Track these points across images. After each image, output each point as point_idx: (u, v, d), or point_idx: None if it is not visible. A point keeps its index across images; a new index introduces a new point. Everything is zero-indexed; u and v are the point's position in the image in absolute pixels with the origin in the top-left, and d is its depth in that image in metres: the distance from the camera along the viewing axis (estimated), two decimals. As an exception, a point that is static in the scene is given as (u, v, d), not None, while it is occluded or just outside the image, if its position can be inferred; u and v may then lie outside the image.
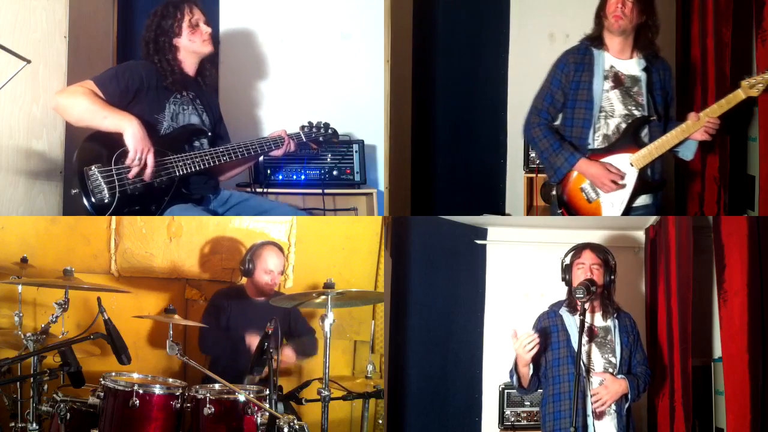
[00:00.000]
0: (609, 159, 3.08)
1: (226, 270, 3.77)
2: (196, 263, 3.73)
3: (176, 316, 2.99)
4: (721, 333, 2.96)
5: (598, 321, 2.98)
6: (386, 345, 3.69)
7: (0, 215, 3.24)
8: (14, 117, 3.19)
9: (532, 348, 2.73)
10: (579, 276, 2.96)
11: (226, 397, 2.84)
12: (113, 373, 2.91)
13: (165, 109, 3.17)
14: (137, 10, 4.10)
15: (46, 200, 3.34)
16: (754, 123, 3.25)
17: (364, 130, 4.01)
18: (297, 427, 2.60)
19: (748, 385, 2.80)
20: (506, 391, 3.68)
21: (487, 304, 3.92)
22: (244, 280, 3.58)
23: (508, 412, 3.69)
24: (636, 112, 3.08)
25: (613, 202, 3.10)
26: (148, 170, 2.98)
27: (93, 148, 2.98)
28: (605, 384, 2.85)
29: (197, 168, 3.14)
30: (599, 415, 2.84)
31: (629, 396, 2.87)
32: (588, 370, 2.87)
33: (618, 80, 3.09)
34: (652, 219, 3.60)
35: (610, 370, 2.90)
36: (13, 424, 2.97)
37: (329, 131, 3.57)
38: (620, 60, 3.11)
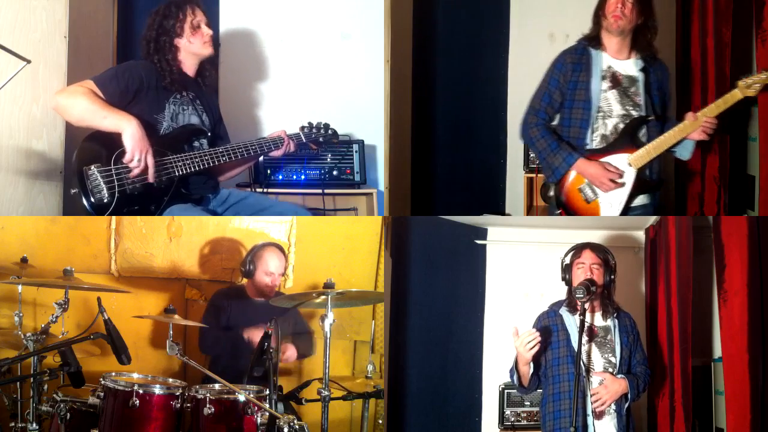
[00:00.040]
0: (607, 159, 3.08)
1: (226, 270, 3.77)
2: (196, 263, 3.73)
3: (176, 316, 2.99)
4: (721, 333, 2.96)
5: (598, 321, 2.98)
6: (386, 345, 3.69)
7: (0, 215, 3.24)
8: (14, 117, 3.19)
9: (534, 346, 2.72)
10: (579, 276, 2.96)
11: (226, 397, 2.84)
12: (113, 373, 2.91)
13: (165, 109, 3.17)
14: (137, 10, 4.10)
15: (46, 200, 3.35)
16: (754, 123, 3.25)
17: (364, 130, 4.01)
18: (297, 427, 2.60)
19: (748, 385, 2.80)
20: (506, 391, 3.68)
21: (487, 304, 3.92)
22: (244, 281, 3.58)
23: (508, 412, 3.69)
24: (633, 113, 3.08)
25: (611, 203, 3.10)
26: (150, 170, 2.98)
27: (92, 147, 2.98)
28: (605, 384, 2.85)
29: (197, 168, 3.13)
30: (599, 415, 2.84)
31: (629, 396, 2.87)
32: (588, 370, 2.87)
33: (616, 80, 3.09)
34: (652, 219, 3.60)
35: (610, 369, 2.90)
36: (13, 424, 2.97)
37: (329, 132, 3.57)
38: (618, 60, 3.11)
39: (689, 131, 3.03)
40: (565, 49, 3.18)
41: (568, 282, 3.02)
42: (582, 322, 2.75)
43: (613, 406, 2.86)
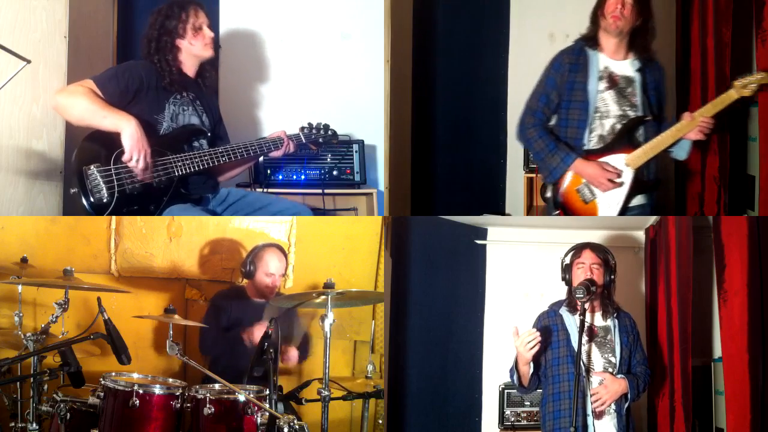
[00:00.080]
0: (604, 160, 3.08)
1: (226, 270, 3.77)
2: (196, 263, 3.73)
3: (176, 316, 2.99)
4: (721, 333, 2.96)
5: (598, 321, 2.98)
6: (386, 345, 3.69)
7: (0, 215, 3.24)
8: (14, 117, 3.19)
9: (534, 346, 2.72)
10: (579, 276, 2.96)
11: (226, 397, 2.84)
12: (113, 373, 2.90)
13: (165, 109, 3.17)
14: (137, 10, 4.10)
15: (46, 200, 3.35)
16: (754, 123, 3.25)
17: (364, 130, 4.01)
18: (297, 427, 2.60)
19: (748, 385, 2.80)
20: (506, 391, 3.68)
21: (487, 304, 3.92)
22: (245, 282, 3.57)
23: (508, 412, 3.69)
24: (630, 113, 3.09)
25: (609, 203, 3.10)
26: (146, 170, 2.97)
27: (92, 147, 2.98)
28: (605, 383, 2.85)
29: (196, 168, 3.13)
30: (599, 415, 2.84)
31: (629, 396, 2.87)
32: (588, 370, 2.87)
33: (612, 81, 3.10)
34: (652, 219, 3.60)
35: (610, 369, 2.90)
36: (13, 424, 2.97)
37: (329, 132, 3.57)
38: (615, 61, 3.12)
39: (686, 131, 3.04)
40: (562, 50, 3.19)
41: (568, 282, 3.02)
42: (582, 322, 2.75)
43: (613, 406, 2.86)
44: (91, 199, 2.92)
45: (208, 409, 2.80)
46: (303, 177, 3.88)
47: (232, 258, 3.75)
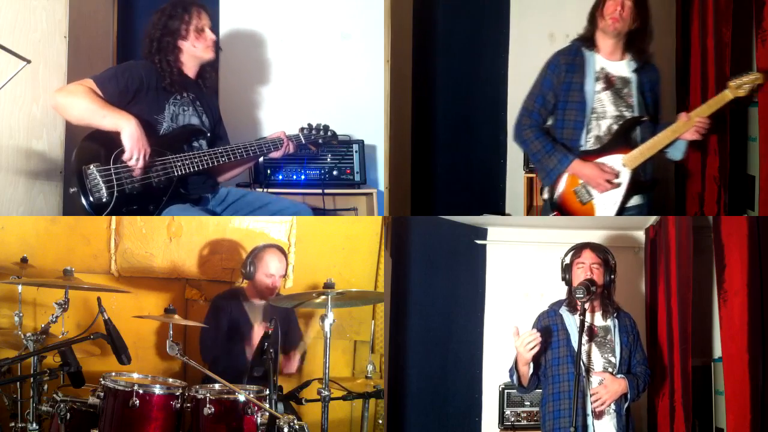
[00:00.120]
0: (601, 160, 3.09)
1: (226, 270, 3.77)
2: (195, 263, 3.73)
3: (176, 316, 2.99)
4: (721, 333, 2.96)
5: (598, 321, 2.98)
6: (386, 345, 3.69)
7: (0, 215, 3.24)
8: (14, 117, 3.19)
9: (534, 347, 2.72)
10: (579, 276, 2.96)
11: (226, 397, 2.84)
12: (113, 373, 2.91)
13: (165, 110, 3.17)
14: (137, 10, 4.10)
15: (46, 200, 3.35)
16: (754, 123, 3.25)
17: (364, 130, 4.01)
18: (297, 427, 2.60)
19: (748, 385, 2.80)
20: (506, 391, 3.68)
21: (487, 304, 3.93)
22: (245, 283, 3.57)
23: (508, 412, 3.69)
24: (626, 114, 3.09)
25: (606, 204, 3.11)
26: (140, 166, 2.97)
27: (92, 147, 2.98)
28: (605, 383, 2.85)
29: (196, 168, 3.13)
30: (599, 415, 2.84)
31: (629, 396, 2.87)
32: (588, 370, 2.87)
33: (609, 82, 3.10)
34: (652, 219, 3.60)
35: (610, 369, 2.89)
36: (13, 424, 2.97)
37: (328, 133, 3.57)
38: (611, 61, 3.12)
39: (682, 131, 3.05)
40: (559, 50, 3.19)
41: (568, 282, 3.02)
42: (582, 321, 2.75)
43: (613, 406, 2.86)
44: (91, 199, 2.92)
45: (208, 409, 2.80)
46: (303, 177, 3.88)
47: (232, 258, 3.75)
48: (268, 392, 2.79)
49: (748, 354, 2.81)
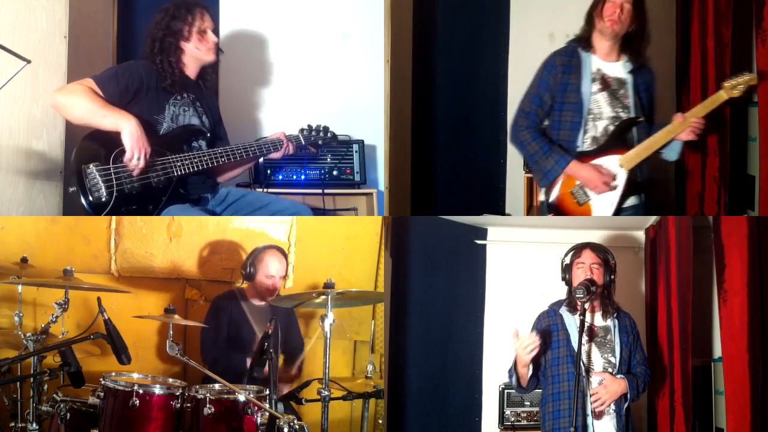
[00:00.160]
0: (598, 161, 3.09)
1: (226, 270, 3.77)
2: (195, 263, 3.73)
3: (176, 316, 2.99)
4: (721, 333, 2.96)
5: (598, 321, 2.98)
6: (386, 345, 3.69)
7: (0, 215, 3.24)
8: (14, 117, 3.19)
9: (532, 350, 2.73)
10: (579, 276, 2.96)
11: (226, 397, 2.84)
12: (113, 373, 2.91)
13: (165, 110, 3.17)
14: (137, 10, 4.10)
15: (46, 200, 3.35)
16: (754, 123, 3.25)
17: (364, 130, 4.00)
18: (297, 427, 2.60)
19: (748, 385, 2.80)
20: (506, 391, 3.69)
21: (487, 304, 3.93)
22: (245, 284, 3.57)
23: (508, 412, 3.69)
24: (622, 114, 3.11)
25: (603, 205, 3.11)
26: (140, 169, 2.97)
27: (91, 146, 2.98)
28: (604, 384, 2.85)
29: (195, 168, 3.13)
30: (598, 415, 2.84)
31: (628, 396, 2.87)
32: (587, 370, 2.87)
33: (605, 83, 3.11)
34: (652, 219, 3.60)
35: (610, 369, 2.89)
36: (13, 424, 2.97)
37: (328, 134, 3.57)
38: (607, 63, 3.13)
39: (678, 132, 3.06)
40: (555, 51, 3.20)
41: (568, 282, 3.02)
42: (582, 322, 2.75)
43: (613, 406, 2.85)
44: (90, 198, 2.92)
45: (208, 409, 2.80)
46: (303, 177, 3.88)
47: (232, 258, 3.75)
48: (268, 392, 2.79)
49: (748, 354, 2.81)
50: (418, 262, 3.76)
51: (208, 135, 3.30)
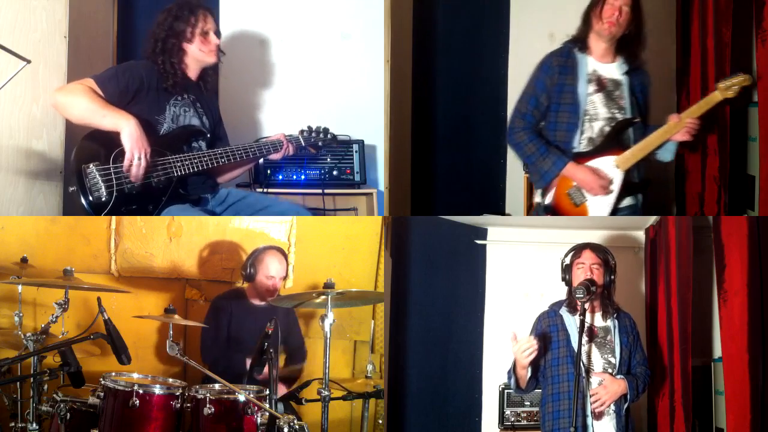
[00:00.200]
0: (594, 161, 3.10)
1: (226, 270, 3.77)
2: (195, 263, 3.73)
3: (176, 316, 2.99)
4: (721, 333, 2.96)
5: (598, 321, 2.98)
6: (386, 345, 3.69)
7: (0, 215, 3.24)
8: (14, 117, 3.19)
9: (530, 353, 2.73)
10: (579, 276, 2.96)
11: (226, 397, 2.84)
12: (113, 373, 2.91)
13: (166, 110, 3.17)
14: (137, 10, 4.10)
15: (46, 200, 3.34)
16: (754, 123, 3.25)
17: (364, 130, 4.00)
18: (297, 427, 2.60)
19: (748, 385, 2.80)
20: (506, 391, 3.69)
21: (487, 304, 3.92)
22: (245, 285, 3.57)
23: (508, 412, 3.69)
24: (618, 115, 3.12)
25: (599, 205, 3.12)
26: (141, 171, 2.97)
27: (91, 146, 2.98)
28: (604, 384, 2.85)
29: (195, 169, 3.13)
30: (598, 416, 2.84)
31: (628, 396, 2.87)
32: (587, 371, 2.87)
33: (601, 84, 3.12)
34: (652, 219, 3.60)
35: (610, 370, 2.89)
36: (13, 424, 2.98)
37: (328, 136, 3.57)
38: (602, 64, 3.14)
39: (673, 132, 3.07)
40: (551, 52, 3.20)
41: (568, 282, 3.02)
42: (582, 322, 2.75)
43: (613, 407, 2.85)
44: (90, 198, 2.92)
45: (208, 409, 2.80)
46: (303, 177, 3.88)
47: (232, 258, 3.75)
48: (268, 392, 2.79)
49: (748, 354, 2.81)
50: (418, 262, 3.76)
51: (208, 136, 3.30)
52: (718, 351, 3.42)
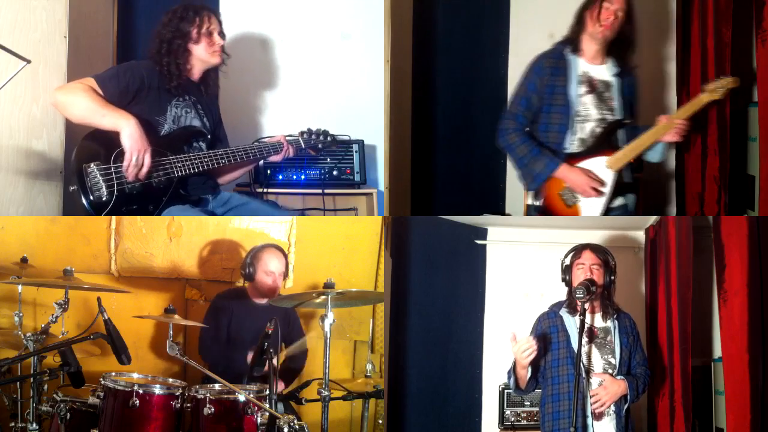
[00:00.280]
0: (586, 162, 3.11)
1: (226, 270, 3.77)
2: (195, 263, 3.74)
3: (176, 316, 2.99)
4: (721, 333, 2.96)
5: (598, 322, 2.98)
6: (386, 345, 3.69)
7: (0, 215, 3.24)
8: (14, 117, 3.19)
9: (530, 354, 2.73)
10: (579, 276, 2.96)
11: (226, 397, 2.84)
12: (113, 373, 2.91)
13: (167, 111, 3.17)
14: (137, 10, 4.10)
15: (46, 200, 3.34)
16: (754, 123, 3.25)
17: (364, 130, 4.00)
18: (297, 427, 2.60)
19: (748, 385, 2.80)
20: (506, 391, 3.69)
21: (487, 304, 3.92)
22: (246, 284, 3.57)
23: (508, 412, 3.69)
24: (609, 117, 3.15)
25: (591, 206, 3.12)
26: (144, 169, 2.97)
27: (92, 146, 2.98)
28: (604, 385, 2.85)
29: (196, 170, 3.13)
30: (598, 416, 2.84)
31: (628, 397, 2.87)
32: (587, 371, 2.87)
33: (592, 85, 3.15)
34: (652, 219, 3.60)
35: (610, 371, 2.89)
36: (13, 424, 2.98)
37: (328, 138, 3.56)
38: (593, 65, 3.17)
39: (663, 133, 3.08)
40: (543, 53, 3.22)
41: (568, 283, 3.02)
42: (582, 322, 2.75)
43: (613, 407, 2.85)
44: (90, 198, 2.92)
45: (208, 409, 2.80)
46: (303, 177, 3.88)
47: (232, 258, 3.75)
48: (268, 392, 2.79)
49: (748, 354, 2.81)
50: (418, 262, 3.76)
51: (209, 136, 3.30)
52: (718, 351, 3.43)
